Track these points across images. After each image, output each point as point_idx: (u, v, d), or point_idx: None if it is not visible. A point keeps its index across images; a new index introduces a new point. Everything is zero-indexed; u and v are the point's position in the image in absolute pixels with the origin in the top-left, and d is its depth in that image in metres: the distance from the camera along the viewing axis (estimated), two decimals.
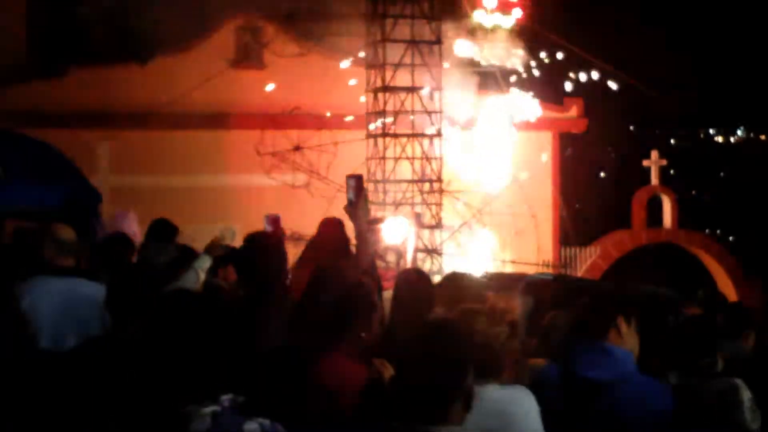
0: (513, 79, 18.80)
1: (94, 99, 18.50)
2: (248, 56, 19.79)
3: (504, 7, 18.10)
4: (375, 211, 15.60)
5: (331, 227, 8.13)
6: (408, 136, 16.80)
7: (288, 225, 11.82)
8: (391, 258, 8.00)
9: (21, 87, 18.66)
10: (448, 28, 17.73)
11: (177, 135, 19.11)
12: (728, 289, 19.72)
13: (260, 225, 8.16)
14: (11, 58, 19.75)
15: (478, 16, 17.93)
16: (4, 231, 7.89)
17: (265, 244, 5.79)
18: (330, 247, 7.85)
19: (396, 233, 8.31)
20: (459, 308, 5.16)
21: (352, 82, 18.32)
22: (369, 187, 16.51)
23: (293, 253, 9.30)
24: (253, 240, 6.23)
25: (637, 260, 21.67)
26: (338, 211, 7.94)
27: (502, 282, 9.57)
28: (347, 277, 5.81)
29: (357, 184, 6.21)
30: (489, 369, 4.69)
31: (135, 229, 8.57)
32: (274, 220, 6.50)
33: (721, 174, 50.92)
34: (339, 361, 4.41)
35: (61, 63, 19.26)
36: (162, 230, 8.51)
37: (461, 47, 18.22)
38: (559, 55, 18.82)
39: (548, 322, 5.95)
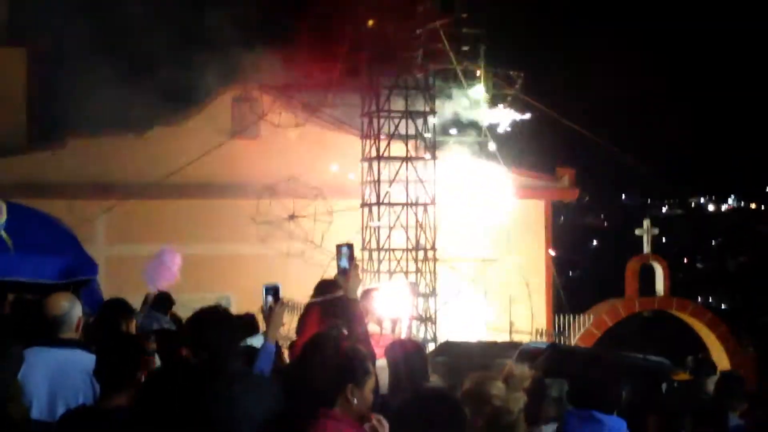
0: (505, 148, 18.99)
1: (92, 170, 18.65)
2: (244, 127, 19.96)
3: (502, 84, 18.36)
4: (370, 280, 15.71)
5: (328, 290, 8.20)
6: (402, 205, 16.94)
7: (284, 294, 11.91)
8: (386, 326, 8.06)
9: (20, 158, 18.82)
10: (442, 98, 17.98)
11: (173, 204, 19.21)
12: (721, 356, 19.76)
13: (255, 294, 8.23)
14: (11, 129, 19.98)
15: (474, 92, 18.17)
16: (6, 302, 7.95)
17: (214, 318, 5.81)
18: (329, 309, 7.92)
19: (391, 301, 8.39)
20: (474, 375, 5.19)
21: (347, 151, 18.50)
22: (364, 255, 16.62)
23: (287, 321, 9.38)
24: (201, 314, 6.29)
25: (630, 328, 21.72)
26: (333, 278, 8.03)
27: (496, 350, 9.65)
28: (341, 343, 5.89)
29: (349, 253, 6.30)
30: None
31: (175, 268, 8.69)
32: (274, 289, 6.54)
33: (713, 242, 51.10)
34: (332, 426, 4.44)
35: (59, 134, 19.44)
36: (158, 301, 8.61)
37: (455, 117, 18.46)
38: (552, 126, 19.05)
39: (544, 390, 6.01)
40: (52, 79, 20.01)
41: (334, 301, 7.97)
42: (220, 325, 5.67)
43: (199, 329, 5.72)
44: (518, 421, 5.13)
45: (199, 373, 4.02)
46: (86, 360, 5.80)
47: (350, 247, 6.38)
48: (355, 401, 4.40)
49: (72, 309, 6.23)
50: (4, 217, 8.09)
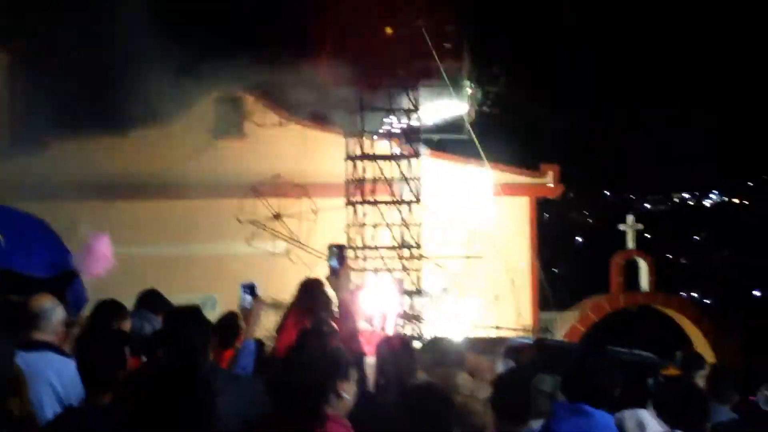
0: (489, 145, 19.03)
1: (76, 171, 18.57)
2: (228, 126, 19.96)
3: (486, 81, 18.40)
4: (356, 278, 15.72)
5: (311, 288, 8.22)
6: (387, 203, 16.95)
7: (269, 293, 11.89)
8: (375, 323, 8.09)
9: (2, 159, 18.72)
10: (426, 96, 17.99)
11: (159, 205, 19.18)
12: (706, 350, 19.84)
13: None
14: None
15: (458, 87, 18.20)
16: None
17: (187, 320, 5.82)
18: (312, 307, 7.95)
19: (378, 299, 8.42)
20: (440, 369, 5.25)
21: (331, 150, 18.50)
22: (349, 254, 16.62)
23: (274, 320, 9.38)
24: (173, 315, 6.28)
25: (615, 323, 21.79)
26: (319, 278, 8.04)
27: (483, 346, 9.68)
28: (330, 341, 5.90)
29: (340, 253, 6.32)
30: (472, 427, 4.77)
31: (107, 251, 8.55)
32: (251, 288, 6.56)
33: (696, 237, 51.28)
34: (326, 424, 4.43)
35: (43, 136, 19.35)
36: (150, 301, 8.55)
37: (439, 115, 18.49)
38: (538, 122, 19.10)
39: (532, 386, 6.04)
40: (35, 80, 19.93)
41: (315, 299, 7.99)
42: (192, 325, 5.68)
43: (172, 329, 5.72)
44: (484, 411, 5.21)
45: (172, 372, 4.01)
46: (56, 364, 5.77)
47: (341, 247, 6.42)
48: (346, 396, 4.39)
49: (52, 310, 6.18)
50: None
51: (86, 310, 8.14)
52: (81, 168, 18.65)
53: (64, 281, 8.40)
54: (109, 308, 7.55)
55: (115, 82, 17.60)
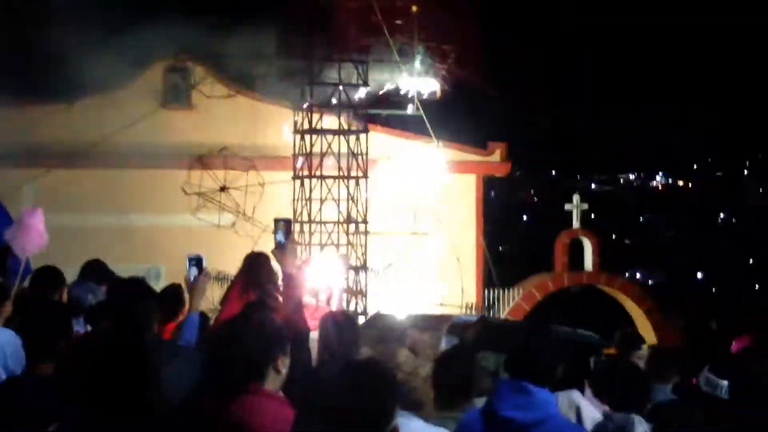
0: (437, 123, 19.05)
1: (20, 138, 18.29)
2: (177, 97, 19.79)
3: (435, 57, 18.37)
4: (302, 253, 15.69)
5: (256, 261, 8.20)
6: (334, 177, 16.91)
7: (214, 265, 11.84)
8: (320, 298, 8.07)
9: None
10: (374, 71, 17.94)
11: (104, 174, 18.95)
12: (648, 331, 20.08)
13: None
14: None
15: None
16: None
17: (131, 292, 5.80)
18: (257, 281, 7.93)
19: (323, 274, 8.40)
20: (383, 345, 5.27)
21: (279, 123, 18.41)
22: (295, 228, 16.58)
23: (218, 294, 9.34)
24: (118, 287, 6.25)
25: (559, 302, 21.98)
26: (264, 251, 8.02)
27: (427, 323, 9.70)
28: (273, 314, 5.87)
29: (286, 227, 6.28)
30: (412, 403, 4.78)
31: (41, 227, 8.41)
32: (197, 260, 6.51)
33: (641, 218, 51.86)
34: (263, 399, 4.40)
35: None
36: (94, 271, 8.47)
37: (388, 90, 18.46)
38: (484, 100, 19.13)
39: (476, 363, 6.06)
40: None
41: (260, 273, 7.96)
42: (136, 296, 5.65)
43: (116, 300, 5.69)
44: (425, 387, 5.24)
45: (117, 344, 3.97)
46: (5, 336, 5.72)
47: (287, 222, 6.38)
48: (283, 371, 4.35)
49: None
50: None
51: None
52: (23, 135, 18.35)
53: (6, 251, 8.30)
54: (48, 276, 7.48)
55: (60, 49, 17.34)
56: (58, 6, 16.95)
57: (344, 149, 16.95)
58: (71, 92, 19.04)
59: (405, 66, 18.29)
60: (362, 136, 17.16)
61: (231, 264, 10.06)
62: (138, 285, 5.91)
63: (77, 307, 7.44)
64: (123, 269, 9.00)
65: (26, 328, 5.27)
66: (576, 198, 21.62)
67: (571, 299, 22.89)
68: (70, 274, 8.48)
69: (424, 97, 18.71)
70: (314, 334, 6.63)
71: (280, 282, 7.01)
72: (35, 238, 8.12)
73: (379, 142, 18.37)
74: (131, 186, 19.04)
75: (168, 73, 19.94)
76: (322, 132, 16.97)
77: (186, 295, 6.96)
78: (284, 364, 4.35)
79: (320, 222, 16.79)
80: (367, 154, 17.14)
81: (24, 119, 18.66)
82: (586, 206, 21.72)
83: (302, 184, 16.97)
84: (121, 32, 17.67)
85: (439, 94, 18.82)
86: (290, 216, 16.01)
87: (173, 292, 8.36)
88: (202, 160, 18.83)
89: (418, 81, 18.64)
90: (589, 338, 10.54)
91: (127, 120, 18.70)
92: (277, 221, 6.27)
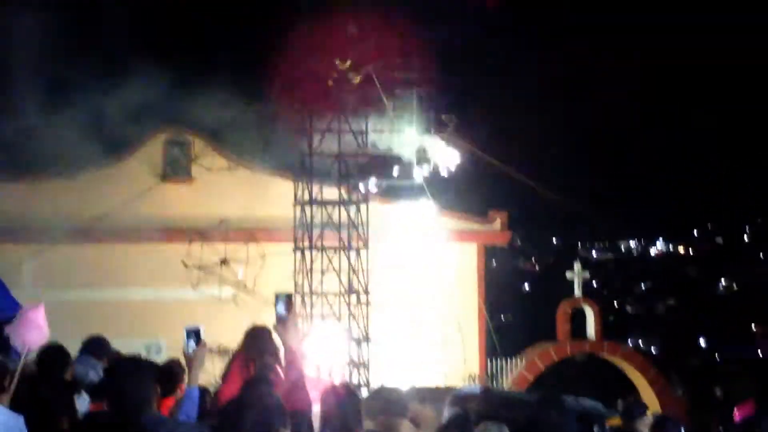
0: (439, 192, 19.11)
1: (21, 213, 18.32)
2: (176, 170, 19.84)
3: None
4: (303, 325, 15.63)
5: (256, 335, 8.16)
6: (335, 249, 16.92)
7: (215, 338, 11.78)
8: (322, 370, 8.02)
9: None
10: (374, 139, 18.04)
11: (104, 249, 18.95)
12: (651, 399, 19.94)
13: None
14: None
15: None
16: None
17: (129, 371, 5.75)
18: (257, 354, 7.87)
19: (325, 346, 8.37)
20: (384, 418, 5.21)
21: (280, 195, 18.45)
22: (296, 300, 16.54)
23: (219, 367, 9.28)
24: (117, 365, 6.21)
25: (562, 371, 21.85)
26: (265, 325, 7.98)
27: (429, 395, 9.64)
28: (274, 389, 5.83)
29: (287, 301, 6.26)
30: None
31: (42, 323, 8.37)
32: (195, 332, 6.47)
33: (642, 286, 51.78)
34: None
35: None
36: (95, 347, 8.42)
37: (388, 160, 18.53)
38: (485, 170, 19.21)
39: None
40: None
41: (261, 347, 7.92)
42: (135, 375, 5.61)
43: (115, 380, 5.65)
44: None
45: (115, 425, 3.94)
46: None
47: (289, 295, 6.36)
48: None
49: None
50: None
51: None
52: (23, 211, 18.39)
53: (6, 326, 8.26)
54: (54, 355, 7.45)
55: (63, 123, 17.46)
56: (57, 81, 17.10)
57: (345, 220, 16.98)
58: (71, 167, 19.11)
59: (404, 136, 18.38)
60: (362, 206, 17.21)
61: (232, 337, 10.02)
62: (137, 362, 5.87)
63: (79, 383, 7.40)
64: (124, 344, 8.96)
65: (30, 407, 5.22)
66: (577, 266, 21.60)
67: (574, 368, 22.77)
68: (72, 350, 8.44)
69: (424, 166, 18.78)
70: (315, 408, 6.58)
71: (281, 355, 6.97)
72: (36, 334, 8.09)
73: (380, 211, 18.40)
74: (132, 260, 19.02)
75: (168, 146, 20.02)
76: (322, 203, 17.02)
77: (184, 369, 6.90)
78: None
79: (322, 294, 16.76)
80: (367, 224, 17.16)
81: (23, 194, 18.70)
82: (587, 274, 21.70)
83: (303, 256, 16.97)
84: (120, 106, 17.79)
85: (439, 164, 18.88)
86: (291, 288, 15.99)
87: (170, 368, 8.31)
88: (202, 232, 18.84)
89: (417, 151, 18.72)
90: (593, 408, 10.45)
91: (127, 194, 18.75)
92: (278, 295, 6.25)
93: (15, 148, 17.69)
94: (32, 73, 17.86)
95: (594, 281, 24.66)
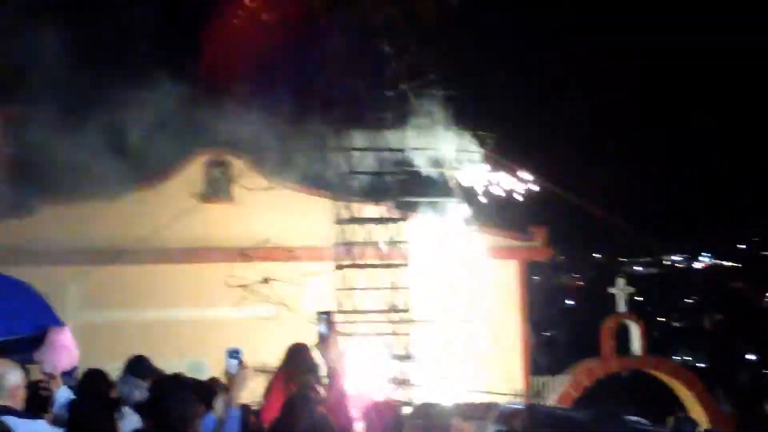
0: (479, 208, 19.02)
1: (66, 235, 18.48)
2: (217, 190, 19.92)
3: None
4: (343, 343, 15.59)
5: (297, 353, 8.15)
6: (375, 266, 16.88)
7: (257, 357, 11.77)
8: (364, 388, 7.99)
9: None
10: (414, 156, 18.01)
11: (146, 269, 19.05)
12: (699, 415, 19.67)
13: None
14: None
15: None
16: None
17: (173, 389, 5.76)
18: (298, 372, 7.86)
19: (367, 364, 8.34)
20: None
21: (320, 213, 18.45)
22: (337, 318, 16.50)
23: (261, 386, 9.26)
24: (160, 384, 6.22)
25: (608, 388, 21.62)
26: (308, 342, 7.96)
27: (472, 411, 9.56)
28: (316, 407, 5.80)
29: (328, 319, 6.25)
30: None
31: (70, 345, 8.42)
32: (236, 353, 6.48)
33: (688, 300, 51.29)
34: None
35: (33, 201, 19.30)
36: (138, 367, 8.47)
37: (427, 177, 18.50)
38: (525, 186, 19.09)
39: None
40: (28, 143, 19.92)
41: (302, 364, 7.91)
42: (178, 395, 5.61)
43: (158, 399, 5.65)
44: None
45: None
46: (21, 428, 5.70)
47: (330, 313, 6.36)
48: None
49: (4, 375, 6.14)
50: None
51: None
52: (71, 232, 18.57)
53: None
54: (95, 376, 7.51)
55: (106, 145, 17.60)
56: (98, 103, 17.25)
57: (385, 237, 16.95)
58: (113, 189, 19.25)
59: (443, 153, 18.33)
60: (402, 223, 17.17)
61: (274, 355, 10.01)
62: (180, 381, 5.87)
63: (124, 402, 7.43)
64: (166, 364, 8.98)
65: (72, 424, 5.23)
66: (621, 282, 21.42)
67: (619, 384, 22.54)
68: (115, 369, 8.49)
69: (464, 183, 18.72)
70: (359, 426, 6.53)
71: (323, 373, 6.95)
72: (65, 357, 8.15)
73: (420, 228, 18.35)
74: (174, 281, 19.11)
75: (208, 167, 20.13)
76: (363, 221, 17.00)
77: (225, 388, 6.90)
78: None
79: (363, 311, 16.72)
80: (407, 241, 17.11)
81: (66, 217, 18.86)
82: (631, 290, 21.52)
83: (344, 274, 16.95)
84: (161, 127, 17.91)
85: (479, 181, 18.80)
86: (332, 305, 15.97)
87: (211, 386, 8.32)
88: (244, 252, 18.89)
89: (456, 167, 18.66)
90: (639, 424, 10.30)
91: (168, 215, 18.85)
92: (319, 313, 6.25)
93: (59, 171, 17.86)
94: (76, 98, 18.05)
95: (638, 296, 24.38)
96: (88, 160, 17.57)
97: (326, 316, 6.24)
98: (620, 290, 21.24)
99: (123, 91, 17.30)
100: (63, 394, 7.02)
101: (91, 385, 7.51)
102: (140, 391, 7.81)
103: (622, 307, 21.15)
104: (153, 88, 17.37)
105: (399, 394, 16.13)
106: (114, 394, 7.68)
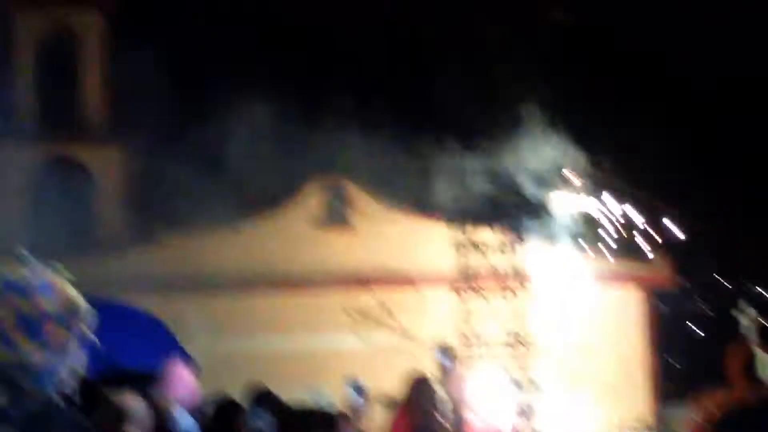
0: (599, 235, 18.65)
1: (187, 264, 18.74)
2: (333, 217, 19.96)
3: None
4: (464, 372, 15.39)
5: (419, 386, 8.05)
6: (494, 293, 16.64)
7: (377, 386, 11.66)
8: (486, 418, 7.82)
9: (118, 254, 19.03)
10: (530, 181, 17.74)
11: (265, 298, 19.15)
12: None
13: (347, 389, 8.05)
14: (110, 227, 20.28)
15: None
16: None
17: (302, 424, 5.73)
18: (422, 406, 7.75)
19: (487, 393, 8.16)
20: None
21: (437, 239, 18.30)
22: (458, 347, 16.31)
23: (383, 416, 9.14)
24: (223, 408, 6.18)
25: (739, 418, 20.88)
26: (426, 375, 7.81)
27: None
28: None
29: (450, 351, 6.15)
30: None
31: (189, 380, 8.44)
32: (358, 387, 6.42)
33: None
34: None
35: (155, 229, 19.68)
36: (262, 399, 8.53)
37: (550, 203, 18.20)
38: (649, 212, 18.67)
39: None
40: (150, 174, 20.36)
41: (424, 397, 7.78)
42: (305, 428, 5.59)
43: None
44: None
45: None
46: None
47: (452, 346, 6.28)
48: None
49: (130, 407, 6.17)
50: (95, 319, 8.07)
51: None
52: (192, 261, 18.83)
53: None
54: (230, 408, 7.60)
55: (225, 174, 17.84)
56: (216, 132, 17.50)
57: (504, 263, 16.71)
58: (232, 217, 19.47)
59: (561, 176, 18.01)
60: (521, 249, 16.91)
61: (394, 384, 9.90)
62: (310, 416, 5.86)
63: None
64: (285, 393, 8.94)
65: None
66: (750, 309, 20.77)
67: (752, 414, 21.76)
68: (238, 399, 8.51)
69: (584, 209, 18.37)
70: None
71: (446, 407, 6.81)
72: (187, 395, 8.12)
73: (541, 254, 18.04)
74: (292, 308, 19.17)
75: (324, 194, 20.18)
76: (481, 246, 16.79)
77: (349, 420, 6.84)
78: None
79: (484, 341, 16.49)
80: (526, 268, 16.85)
81: (190, 246, 19.13)
82: (759, 316, 20.84)
83: (464, 300, 16.76)
84: (277, 154, 18.07)
85: (601, 208, 18.41)
86: (452, 333, 15.80)
87: (337, 419, 8.28)
88: (362, 279, 18.85)
89: (575, 194, 18.34)
90: None
91: (285, 242, 18.95)
92: (440, 346, 6.17)
93: (182, 200, 18.15)
94: (197, 128, 18.37)
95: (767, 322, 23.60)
96: (207, 189, 17.83)
97: (448, 348, 6.14)
98: (750, 318, 20.61)
99: (242, 121, 17.53)
100: (185, 422, 7.02)
101: (226, 417, 7.56)
102: (266, 423, 7.83)
103: (751, 334, 20.48)
104: (271, 117, 17.56)
105: (523, 426, 15.83)
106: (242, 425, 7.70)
